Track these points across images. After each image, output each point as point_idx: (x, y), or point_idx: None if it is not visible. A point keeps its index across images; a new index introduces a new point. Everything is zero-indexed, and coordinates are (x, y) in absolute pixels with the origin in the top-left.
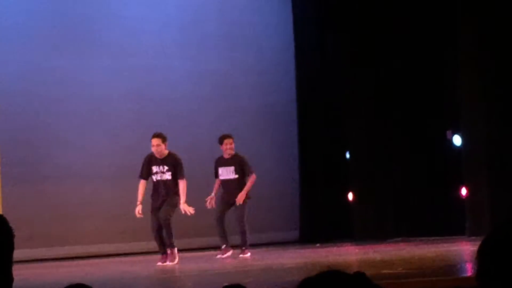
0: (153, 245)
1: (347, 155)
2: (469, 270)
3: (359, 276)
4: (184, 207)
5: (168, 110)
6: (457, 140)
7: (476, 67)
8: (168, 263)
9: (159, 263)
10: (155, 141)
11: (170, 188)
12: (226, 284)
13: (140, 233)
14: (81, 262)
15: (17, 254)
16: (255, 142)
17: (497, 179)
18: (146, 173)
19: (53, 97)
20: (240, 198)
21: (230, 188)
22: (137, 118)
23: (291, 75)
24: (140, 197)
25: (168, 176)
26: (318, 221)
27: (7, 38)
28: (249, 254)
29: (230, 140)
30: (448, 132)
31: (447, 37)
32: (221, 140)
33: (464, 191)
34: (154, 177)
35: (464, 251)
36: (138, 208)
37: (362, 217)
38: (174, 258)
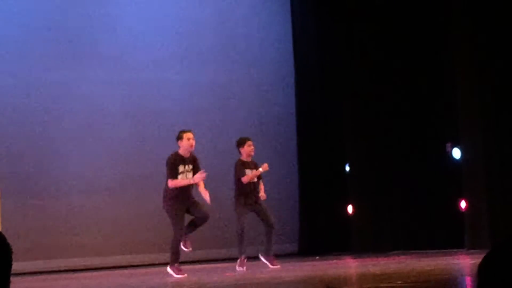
0: (152, 257)
1: (347, 168)
2: (468, 284)
3: None
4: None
5: (166, 123)
6: (456, 153)
7: (476, 80)
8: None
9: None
10: (192, 135)
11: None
12: None
13: (139, 245)
14: (79, 275)
15: (15, 266)
16: (253, 154)
17: (496, 192)
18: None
19: (50, 110)
20: (264, 195)
21: (253, 191)
22: (135, 131)
23: (290, 87)
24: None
25: (191, 174)
26: (317, 234)
27: (3, 51)
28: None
29: (251, 142)
30: (448, 145)
31: (446, 50)
32: (242, 142)
33: (463, 204)
34: (180, 177)
35: (463, 264)
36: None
37: (361, 230)
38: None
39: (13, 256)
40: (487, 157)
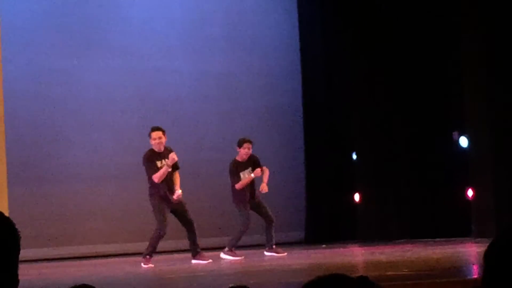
0: (159, 245)
1: (354, 156)
2: (475, 272)
3: (362, 280)
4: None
5: (173, 111)
6: (463, 141)
7: (483, 67)
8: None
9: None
10: (159, 134)
11: (173, 181)
12: (231, 285)
13: (146, 233)
14: (86, 262)
15: (23, 253)
16: (260, 143)
17: (503, 180)
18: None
19: (59, 98)
20: (265, 187)
21: (250, 188)
22: (143, 119)
23: (296, 76)
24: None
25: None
26: (323, 222)
27: (14, 38)
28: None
29: (250, 145)
30: (454, 133)
31: (451, 39)
32: (240, 144)
33: (470, 193)
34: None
35: (470, 252)
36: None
37: (368, 218)
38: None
39: (21, 243)
40: (494, 145)
